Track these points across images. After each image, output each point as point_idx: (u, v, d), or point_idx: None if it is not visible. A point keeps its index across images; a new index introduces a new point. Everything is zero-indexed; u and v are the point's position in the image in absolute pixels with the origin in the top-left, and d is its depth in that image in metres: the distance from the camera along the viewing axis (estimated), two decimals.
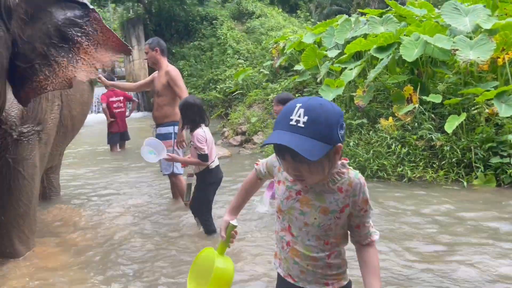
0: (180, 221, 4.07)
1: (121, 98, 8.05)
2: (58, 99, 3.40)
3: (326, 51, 7.49)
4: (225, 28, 14.71)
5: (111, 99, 7.94)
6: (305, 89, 8.17)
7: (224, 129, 9.05)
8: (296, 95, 8.16)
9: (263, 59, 12.25)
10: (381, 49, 6.07)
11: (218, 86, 12.54)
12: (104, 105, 7.88)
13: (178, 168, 4.35)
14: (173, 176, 4.40)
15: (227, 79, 12.56)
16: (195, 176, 3.61)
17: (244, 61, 13.20)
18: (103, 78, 4.43)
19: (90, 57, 2.66)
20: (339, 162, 1.34)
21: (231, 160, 6.88)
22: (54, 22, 2.54)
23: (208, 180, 3.52)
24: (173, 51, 14.99)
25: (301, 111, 1.21)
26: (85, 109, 4.28)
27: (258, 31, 14.46)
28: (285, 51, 9.31)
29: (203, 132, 3.39)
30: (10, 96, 2.80)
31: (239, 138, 7.98)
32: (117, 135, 8.00)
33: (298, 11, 17.37)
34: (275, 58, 9.97)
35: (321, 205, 1.35)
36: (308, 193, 1.37)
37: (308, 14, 17.93)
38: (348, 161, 1.39)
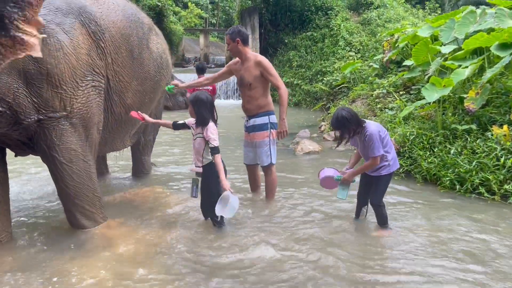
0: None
1: (209, 88, 8.16)
2: (91, 83, 3.29)
3: (441, 45, 6.71)
4: (339, 19, 14.20)
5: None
6: (413, 87, 7.47)
7: (322, 123, 8.75)
8: (401, 93, 7.52)
9: (375, 52, 11.56)
10: (504, 46, 5.21)
11: (325, 78, 12.19)
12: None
13: (274, 158, 4.25)
14: (268, 168, 4.27)
15: (335, 72, 12.14)
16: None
17: (356, 53, 12.61)
18: (178, 83, 4.29)
19: (32, 29, 2.51)
20: None
21: (320, 155, 6.61)
22: None
23: (214, 172, 3.43)
24: (286, 41, 14.98)
25: None
26: (146, 99, 4.10)
27: (374, 22, 13.69)
28: (397, 45, 8.61)
29: (213, 125, 3.44)
30: (20, 86, 2.88)
31: (334, 133, 7.62)
32: None
33: (427, 2, 15.99)
34: (386, 51, 9.30)
35: None
36: None
37: (438, 6, 16.41)
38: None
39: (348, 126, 3.31)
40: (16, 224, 3.77)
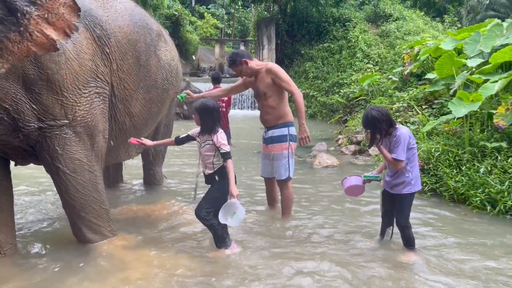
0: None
1: (224, 98, 7.98)
2: (94, 90, 3.13)
3: (466, 59, 6.45)
4: (357, 31, 14.00)
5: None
6: (435, 101, 7.20)
7: (339, 136, 8.50)
8: (423, 107, 7.25)
9: (394, 64, 11.31)
10: None
11: (342, 90, 11.96)
12: None
13: (291, 172, 4.05)
14: (285, 182, 4.04)
15: (352, 84, 11.91)
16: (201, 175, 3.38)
17: (374, 65, 12.37)
18: (190, 92, 4.11)
19: (45, 27, 2.43)
20: None
21: (339, 169, 6.35)
22: None
23: (225, 178, 3.23)
24: (302, 52, 14.81)
25: None
26: (153, 108, 3.91)
27: (393, 35, 13.45)
28: (418, 57, 8.37)
29: (222, 132, 3.31)
30: (19, 91, 2.74)
31: (353, 147, 7.38)
32: None
33: (445, 16, 15.73)
34: (406, 64, 9.06)
35: None
36: None
37: (456, 19, 16.15)
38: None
39: (379, 126, 3.15)
40: (22, 235, 3.60)
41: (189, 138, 3.43)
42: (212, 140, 3.24)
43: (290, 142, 3.99)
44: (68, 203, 3.17)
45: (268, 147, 4.06)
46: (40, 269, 3.01)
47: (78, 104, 2.98)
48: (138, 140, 3.42)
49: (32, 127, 2.87)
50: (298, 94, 3.92)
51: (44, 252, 3.32)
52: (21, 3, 2.36)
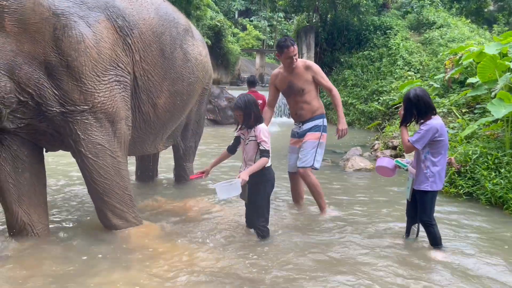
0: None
1: (259, 101, 7.97)
2: (114, 78, 3.17)
3: (511, 61, 6.16)
4: (398, 38, 13.72)
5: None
6: (477, 105, 6.90)
7: (376, 142, 8.31)
8: (463, 110, 6.97)
9: (436, 72, 10.96)
10: None
11: (381, 98, 11.73)
12: None
13: (318, 163, 4.01)
14: (307, 171, 3.98)
15: (392, 91, 11.65)
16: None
17: (415, 73, 12.05)
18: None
19: None
20: None
21: (371, 173, 6.20)
22: None
23: (266, 176, 3.31)
24: (341, 60, 14.69)
25: None
26: (178, 100, 3.91)
27: (436, 42, 13.07)
28: (460, 62, 8.07)
29: (266, 128, 3.29)
30: (42, 77, 2.85)
31: (388, 152, 7.18)
32: None
33: (495, 26, 15.10)
34: (448, 70, 8.76)
35: None
36: None
37: (507, 29, 15.47)
38: None
39: (416, 105, 3.05)
40: (52, 221, 3.76)
41: (238, 141, 3.47)
42: (255, 135, 3.27)
43: (323, 133, 4.04)
44: (92, 187, 3.27)
45: (301, 139, 4.07)
46: (66, 258, 3.04)
47: (97, 91, 3.07)
48: (198, 173, 3.50)
49: (55, 111, 2.98)
50: (336, 90, 4.10)
51: (72, 239, 3.40)
52: None
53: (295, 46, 3.93)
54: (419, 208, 3.22)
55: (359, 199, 4.73)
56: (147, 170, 5.27)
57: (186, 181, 5.21)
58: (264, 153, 3.22)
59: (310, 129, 4.04)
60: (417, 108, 3.06)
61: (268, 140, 3.25)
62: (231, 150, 3.50)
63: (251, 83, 8.22)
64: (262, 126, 3.29)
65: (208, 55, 4.78)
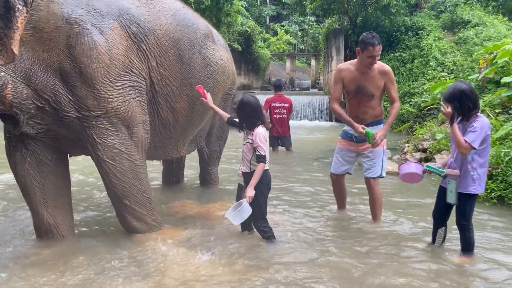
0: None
1: (286, 105, 7.91)
2: (128, 83, 3.22)
3: None
4: (431, 39, 13.33)
5: (273, 105, 7.86)
6: None
7: (406, 145, 8.09)
8: (497, 111, 6.68)
9: (471, 72, 10.58)
10: None
11: (412, 100, 11.42)
12: (264, 111, 7.90)
13: (384, 171, 3.90)
14: (375, 181, 3.90)
15: (424, 93, 11.32)
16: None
17: (448, 74, 11.66)
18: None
19: (22, 28, 2.53)
20: None
21: (398, 177, 6.01)
22: None
23: (262, 179, 3.29)
24: None
25: None
26: (197, 105, 3.92)
27: (471, 41, 12.61)
28: (495, 61, 7.76)
29: (264, 132, 3.29)
30: (57, 84, 2.92)
31: (418, 155, 6.97)
32: (276, 139, 7.93)
33: None
34: (482, 69, 8.43)
35: None
36: None
37: None
38: None
39: (464, 102, 2.87)
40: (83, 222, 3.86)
41: (238, 125, 3.48)
42: (252, 138, 3.27)
43: (385, 139, 3.87)
44: (111, 191, 3.35)
45: (362, 145, 3.88)
46: (84, 265, 3.03)
47: (111, 96, 3.13)
48: (204, 90, 3.61)
49: (71, 116, 3.08)
50: (399, 103, 3.89)
51: (91, 241, 3.45)
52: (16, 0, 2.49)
53: (381, 46, 3.64)
54: (459, 212, 3.07)
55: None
56: (172, 173, 5.35)
57: (211, 185, 5.26)
58: (260, 159, 3.24)
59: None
60: (472, 102, 2.88)
61: (264, 145, 3.24)
62: (229, 121, 3.64)
63: (277, 87, 8.21)
64: (258, 130, 3.27)
65: (231, 60, 4.80)
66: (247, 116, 3.30)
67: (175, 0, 3.90)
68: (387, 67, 3.83)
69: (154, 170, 5.65)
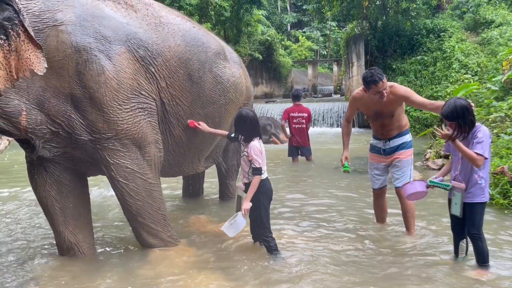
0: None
1: (304, 114, 7.88)
2: (137, 105, 3.31)
3: None
4: (453, 40, 13.07)
5: (292, 114, 7.85)
6: None
7: (429, 151, 7.93)
8: None
9: (495, 73, 10.30)
10: None
11: None
12: (283, 122, 7.94)
13: (412, 179, 3.82)
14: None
15: (447, 96, 11.08)
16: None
17: (472, 76, 11.40)
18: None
19: (6, 62, 2.53)
20: None
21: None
22: None
23: (261, 189, 3.36)
24: (393, 67, 14.24)
25: None
26: (209, 123, 3.96)
27: (495, 41, 12.30)
28: None
29: (259, 144, 3.36)
30: (68, 109, 3.04)
31: (440, 161, 6.83)
32: (295, 148, 7.93)
33: None
34: (505, 71, 8.21)
35: None
36: None
37: None
38: None
39: (467, 118, 2.84)
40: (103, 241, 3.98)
41: (236, 139, 3.61)
42: (247, 151, 3.35)
43: (411, 148, 3.88)
44: (126, 209, 3.44)
45: (390, 156, 3.88)
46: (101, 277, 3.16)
47: (120, 119, 3.22)
48: (195, 123, 3.77)
49: (84, 139, 3.18)
50: (430, 102, 3.76)
51: (108, 258, 3.56)
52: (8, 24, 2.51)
53: (384, 80, 3.55)
54: (468, 221, 3.03)
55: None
56: (191, 188, 5.43)
57: (229, 199, 5.31)
58: (256, 171, 3.29)
59: (399, 146, 3.84)
60: (473, 116, 2.87)
61: (259, 157, 3.29)
62: (229, 137, 3.77)
63: (296, 97, 8.22)
64: (253, 144, 3.33)
65: (245, 75, 4.83)
66: (245, 129, 3.39)
67: (186, 21, 3.99)
68: (400, 91, 3.68)
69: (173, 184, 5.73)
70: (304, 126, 7.91)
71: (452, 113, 2.85)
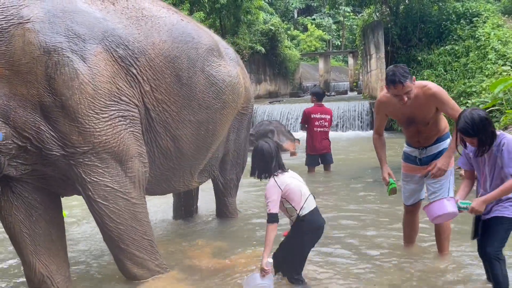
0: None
1: (328, 116, 7.87)
2: (116, 113, 3.31)
3: None
4: (488, 27, 13.10)
5: (313, 116, 7.80)
6: None
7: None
8: None
9: None
10: None
11: (469, 101, 11.20)
12: (301, 125, 7.93)
13: (452, 191, 3.78)
14: None
15: (483, 92, 11.10)
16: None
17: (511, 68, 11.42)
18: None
19: None
20: None
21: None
22: None
23: (302, 228, 3.30)
24: (419, 58, 14.28)
25: None
26: (201, 130, 4.02)
27: None
28: None
29: (274, 183, 3.23)
30: (37, 120, 3.04)
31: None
32: (315, 157, 7.88)
33: None
34: None
35: None
36: None
37: None
38: None
39: (489, 130, 2.85)
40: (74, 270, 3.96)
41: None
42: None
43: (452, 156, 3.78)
44: (106, 234, 3.42)
45: (424, 168, 3.81)
46: None
47: (97, 130, 3.21)
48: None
49: (55, 154, 3.17)
50: None
51: None
52: None
53: (406, 83, 3.38)
54: (490, 236, 3.02)
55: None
56: (183, 207, 5.43)
57: (227, 218, 5.31)
58: (268, 218, 3.19)
59: (439, 154, 3.76)
60: (493, 126, 2.88)
61: (272, 200, 3.19)
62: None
63: (319, 95, 8.12)
64: (269, 184, 3.26)
65: (243, 74, 4.85)
66: (258, 167, 3.35)
67: (173, 13, 4.00)
68: (433, 89, 3.61)
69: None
70: (327, 129, 7.92)
71: (472, 128, 2.84)
